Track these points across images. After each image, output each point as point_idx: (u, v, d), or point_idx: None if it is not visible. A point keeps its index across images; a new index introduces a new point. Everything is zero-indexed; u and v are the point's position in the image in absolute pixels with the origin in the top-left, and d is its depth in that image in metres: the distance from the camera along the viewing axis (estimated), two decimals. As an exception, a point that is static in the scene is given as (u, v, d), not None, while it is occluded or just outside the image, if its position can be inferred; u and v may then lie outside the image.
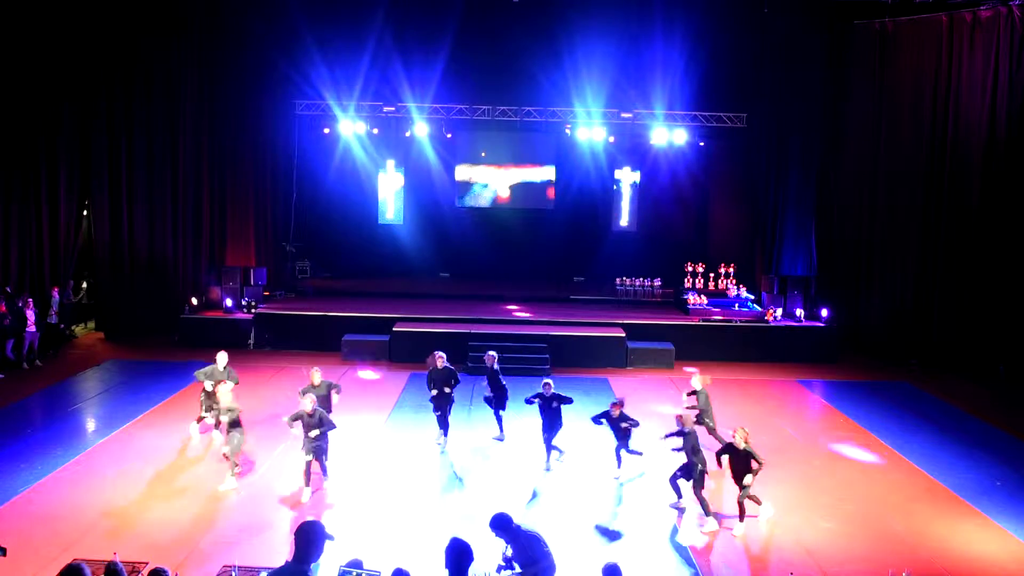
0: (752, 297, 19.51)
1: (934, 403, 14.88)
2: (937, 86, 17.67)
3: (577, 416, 11.89)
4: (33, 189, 17.07)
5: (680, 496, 9.76)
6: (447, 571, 4.82)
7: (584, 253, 22.89)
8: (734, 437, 9.12)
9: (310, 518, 6.36)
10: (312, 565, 4.31)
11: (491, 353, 12.11)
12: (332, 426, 10.07)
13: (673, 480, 9.73)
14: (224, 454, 10.30)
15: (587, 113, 20.27)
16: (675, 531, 9.24)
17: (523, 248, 23.12)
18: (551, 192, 23.28)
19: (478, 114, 20.65)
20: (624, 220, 23.22)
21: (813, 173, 19.08)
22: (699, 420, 11.01)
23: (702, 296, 19.29)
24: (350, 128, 20.73)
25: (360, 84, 19.67)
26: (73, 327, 18.45)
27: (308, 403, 9.81)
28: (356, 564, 4.97)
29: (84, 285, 19.14)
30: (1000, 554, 8.80)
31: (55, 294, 16.74)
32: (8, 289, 16.11)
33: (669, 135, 20.78)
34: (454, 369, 11.75)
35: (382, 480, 10.51)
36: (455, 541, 4.93)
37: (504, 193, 23.34)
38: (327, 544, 4.41)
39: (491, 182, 23.35)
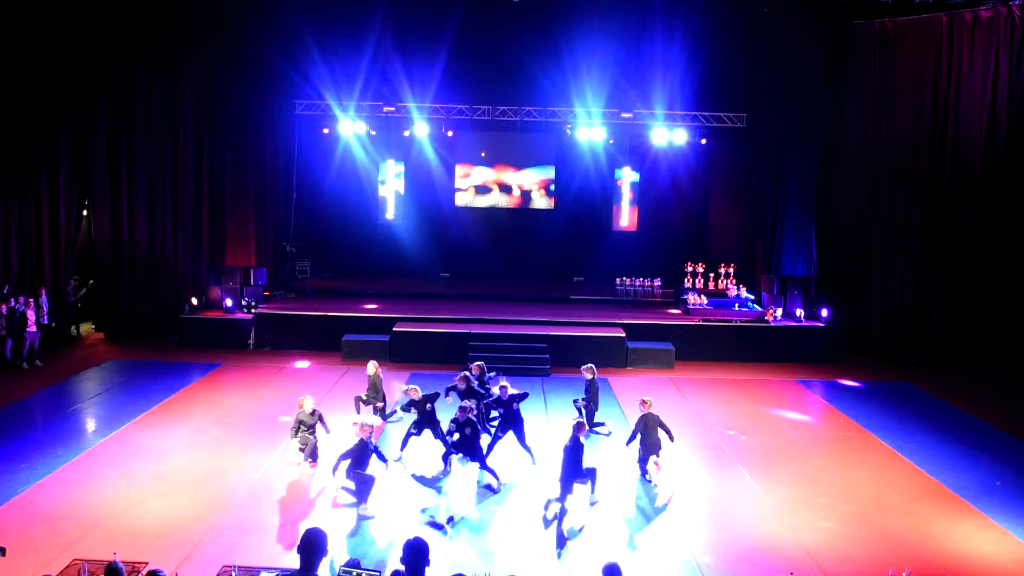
0: (752, 297, 19.51)
1: (934, 403, 14.87)
2: (937, 86, 17.66)
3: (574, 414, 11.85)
4: (33, 189, 17.07)
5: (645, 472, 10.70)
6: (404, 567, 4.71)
7: (584, 253, 22.85)
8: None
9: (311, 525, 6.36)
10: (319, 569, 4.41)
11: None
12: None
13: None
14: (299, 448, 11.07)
15: (587, 113, 20.25)
16: (676, 530, 9.24)
17: (523, 248, 23.10)
18: (551, 192, 23.28)
19: (478, 114, 20.64)
20: (624, 220, 23.15)
21: (813, 173, 19.05)
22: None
23: (702, 296, 19.28)
24: (350, 128, 20.71)
25: (360, 84, 19.63)
26: (73, 327, 18.42)
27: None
28: (355, 564, 4.97)
29: (91, 282, 19.07)
30: (1000, 554, 8.79)
31: (44, 296, 16.64)
32: (4, 290, 16.09)
33: (669, 135, 20.75)
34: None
35: (382, 479, 10.48)
36: (415, 539, 4.79)
37: (504, 193, 23.34)
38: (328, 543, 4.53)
39: (491, 182, 23.34)
